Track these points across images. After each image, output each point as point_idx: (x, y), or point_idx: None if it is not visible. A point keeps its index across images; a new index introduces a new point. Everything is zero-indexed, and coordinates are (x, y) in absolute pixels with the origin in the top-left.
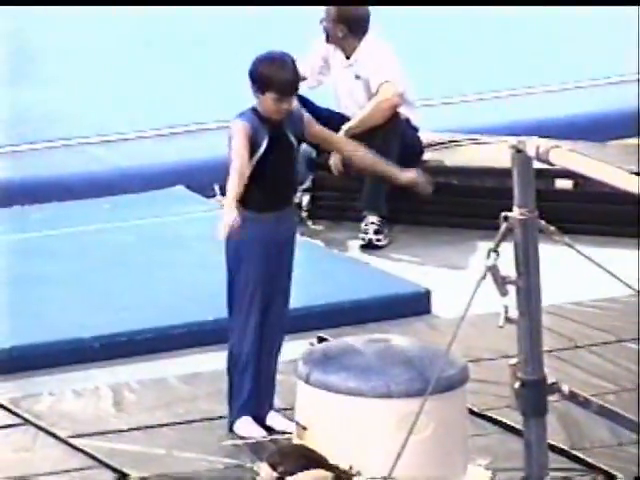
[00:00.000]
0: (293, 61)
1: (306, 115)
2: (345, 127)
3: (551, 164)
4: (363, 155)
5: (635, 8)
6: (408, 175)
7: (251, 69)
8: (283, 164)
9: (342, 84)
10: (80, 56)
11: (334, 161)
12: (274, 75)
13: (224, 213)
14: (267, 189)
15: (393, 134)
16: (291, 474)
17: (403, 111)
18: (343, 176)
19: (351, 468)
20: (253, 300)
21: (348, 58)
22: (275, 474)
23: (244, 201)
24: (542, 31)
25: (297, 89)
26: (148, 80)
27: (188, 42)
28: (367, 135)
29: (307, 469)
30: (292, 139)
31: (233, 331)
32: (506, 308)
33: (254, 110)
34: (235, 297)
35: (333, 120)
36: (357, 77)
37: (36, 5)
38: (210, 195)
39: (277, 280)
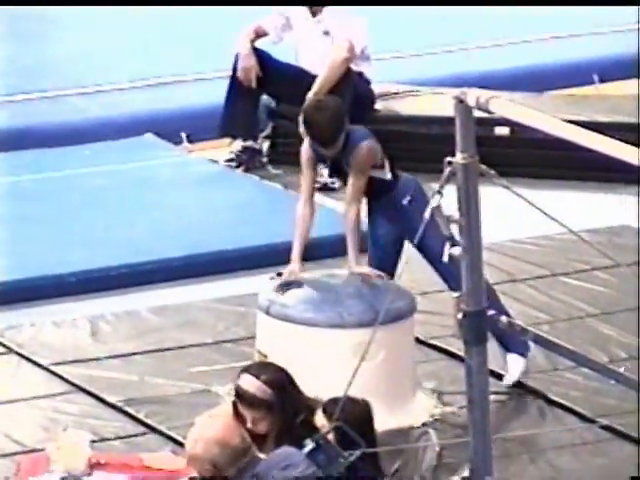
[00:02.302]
0: (336, 111)
1: (360, 149)
2: (310, 95)
3: (490, 113)
4: (350, 218)
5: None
6: (360, 269)
7: (302, 108)
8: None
9: (307, 40)
10: (58, 11)
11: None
12: (311, 125)
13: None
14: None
15: (345, 86)
16: (272, 382)
17: (357, 65)
18: None
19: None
20: None
21: (314, 16)
22: (259, 382)
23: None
24: None
25: (333, 140)
26: (121, 34)
27: None
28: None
29: (285, 380)
30: (345, 166)
31: None
32: (450, 245)
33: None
34: None
35: (292, 73)
36: (326, 33)
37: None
38: (177, 142)
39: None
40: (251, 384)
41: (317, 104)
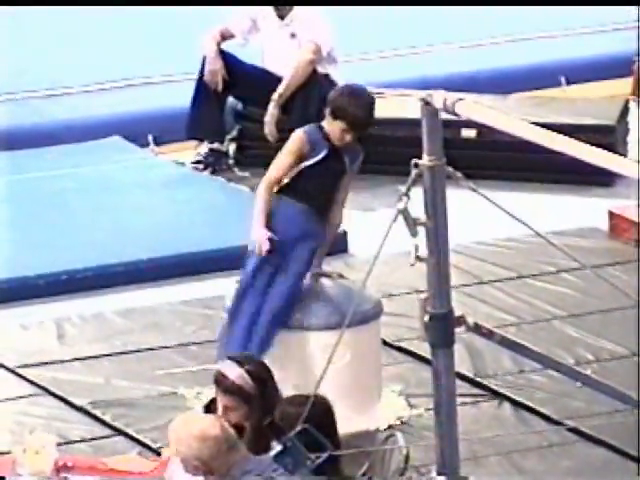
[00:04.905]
0: (372, 100)
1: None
2: (275, 96)
3: (457, 115)
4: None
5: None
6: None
7: (332, 94)
8: (328, 179)
9: (273, 43)
10: (23, 12)
11: (269, 129)
12: (351, 108)
13: (254, 232)
14: (307, 190)
15: (312, 91)
16: (254, 373)
17: (324, 68)
18: (278, 142)
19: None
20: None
21: (282, 18)
22: (241, 370)
23: (284, 188)
24: None
25: (368, 127)
26: (88, 36)
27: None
28: (291, 93)
29: (266, 374)
30: (346, 164)
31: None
32: (416, 247)
33: (320, 127)
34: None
35: (259, 76)
36: (293, 36)
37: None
38: (144, 144)
39: (287, 254)
40: (233, 371)
41: (355, 89)
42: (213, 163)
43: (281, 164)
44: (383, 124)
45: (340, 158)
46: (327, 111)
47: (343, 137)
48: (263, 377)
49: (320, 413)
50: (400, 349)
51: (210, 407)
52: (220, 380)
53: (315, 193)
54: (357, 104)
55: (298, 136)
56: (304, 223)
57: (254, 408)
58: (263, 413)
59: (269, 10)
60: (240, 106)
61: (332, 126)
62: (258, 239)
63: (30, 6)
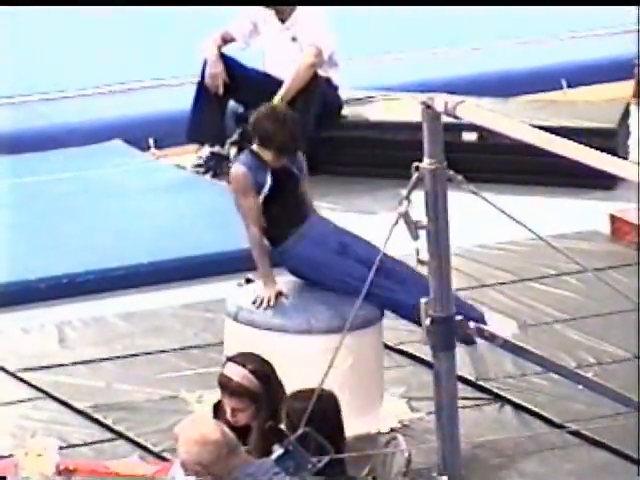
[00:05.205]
0: (294, 120)
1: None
2: (276, 99)
3: (458, 118)
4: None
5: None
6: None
7: (254, 122)
8: (292, 191)
9: (274, 46)
10: (23, 15)
11: None
12: (275, 135)
13: (261, 289)
14: (282, 217)
15: (313, 94)
16: (258, 372)
17: (325, 71)
18: None
19: None
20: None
21: (283, 22)
22: (245, 370)
23: (273, 239)
24: None
25: (297, 148)
26: (88, 39)
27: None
28: (292, 97)
29: (270, 372)
30: (296, 174)
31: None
32: (418, 251)
33: (252, 152)
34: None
35: (260, 79)
36: (294, 39)
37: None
38: (144, 148)
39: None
40: (236, 372)
41: (277, 113)
42: (214, 167)
43: (249, 207)
44: (384, 127)
45: (287, 172)
46: (254, 140)
47: (277, 160)
48: (267, 374)
49: (327, 406)
50: (402, 352)
51: (217, 408)
52: (225, 383)
53: (296, 206)
54: (281, 130)
55: (241, 175)
56: (329, 223)
57: (261, 406)
58: (270, 410)
59: (270, 14)
60: (241, 110)
61: (263, 153)
62: (267, 296)
63: (30, 6)
